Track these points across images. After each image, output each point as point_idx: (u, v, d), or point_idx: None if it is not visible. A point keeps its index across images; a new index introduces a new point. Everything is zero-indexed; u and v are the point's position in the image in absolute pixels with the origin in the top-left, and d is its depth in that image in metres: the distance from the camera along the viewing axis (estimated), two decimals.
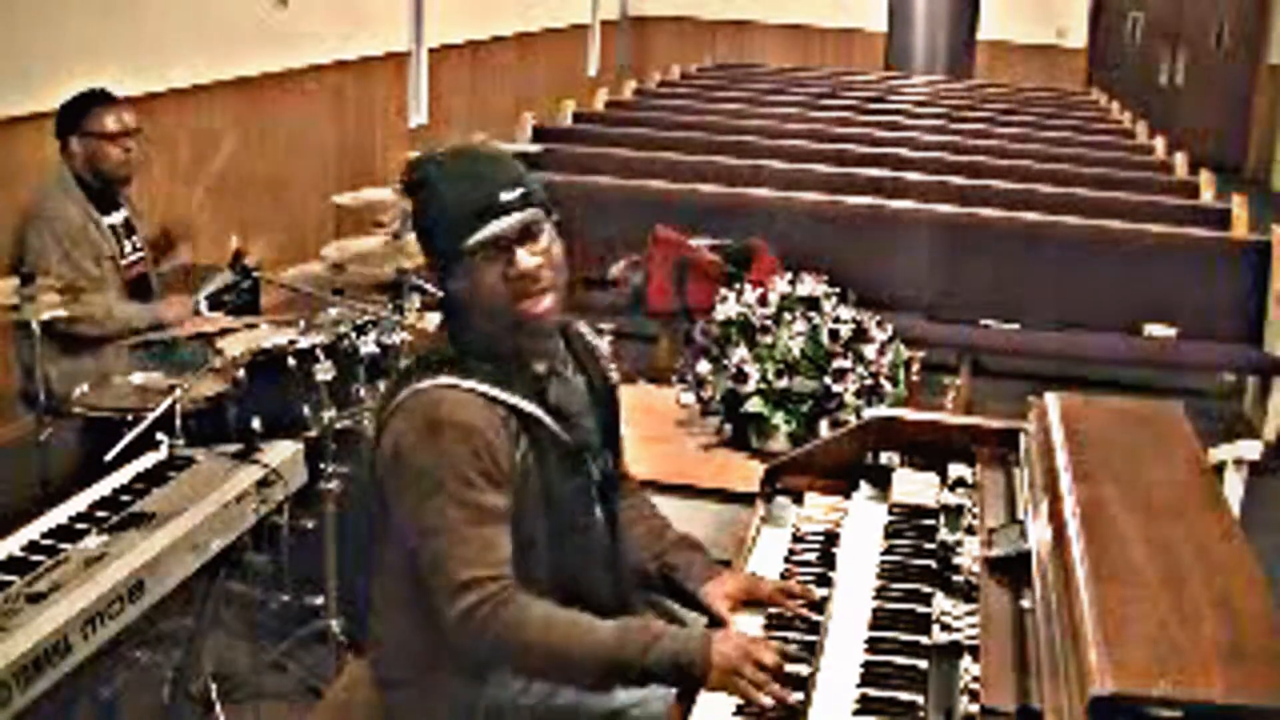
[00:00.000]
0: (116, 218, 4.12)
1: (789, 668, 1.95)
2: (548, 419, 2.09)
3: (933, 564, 2.19)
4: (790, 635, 2.06)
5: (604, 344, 2.37)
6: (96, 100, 4.04)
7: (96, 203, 4.03)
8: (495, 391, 2.05)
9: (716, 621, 2.15)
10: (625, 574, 2.23)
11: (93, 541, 2.53)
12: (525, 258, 2.05)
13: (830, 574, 2.24)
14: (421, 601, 2.08)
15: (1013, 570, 2.03)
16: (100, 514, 2.68)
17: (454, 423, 1.99)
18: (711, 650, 1.94)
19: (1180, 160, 7.96)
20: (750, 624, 2.12)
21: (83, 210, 3.98)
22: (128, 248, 4.14)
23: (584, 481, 2.16)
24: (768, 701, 1.88)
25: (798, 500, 2.56)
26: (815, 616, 2.11)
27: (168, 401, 3.22)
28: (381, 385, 3.71)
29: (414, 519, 2.01)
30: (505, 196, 2.05)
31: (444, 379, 2.04)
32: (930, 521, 2.35)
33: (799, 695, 1.90)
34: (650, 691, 2.07)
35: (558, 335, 2.21)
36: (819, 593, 2.17)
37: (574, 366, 2.23)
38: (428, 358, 2.12)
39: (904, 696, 1.85)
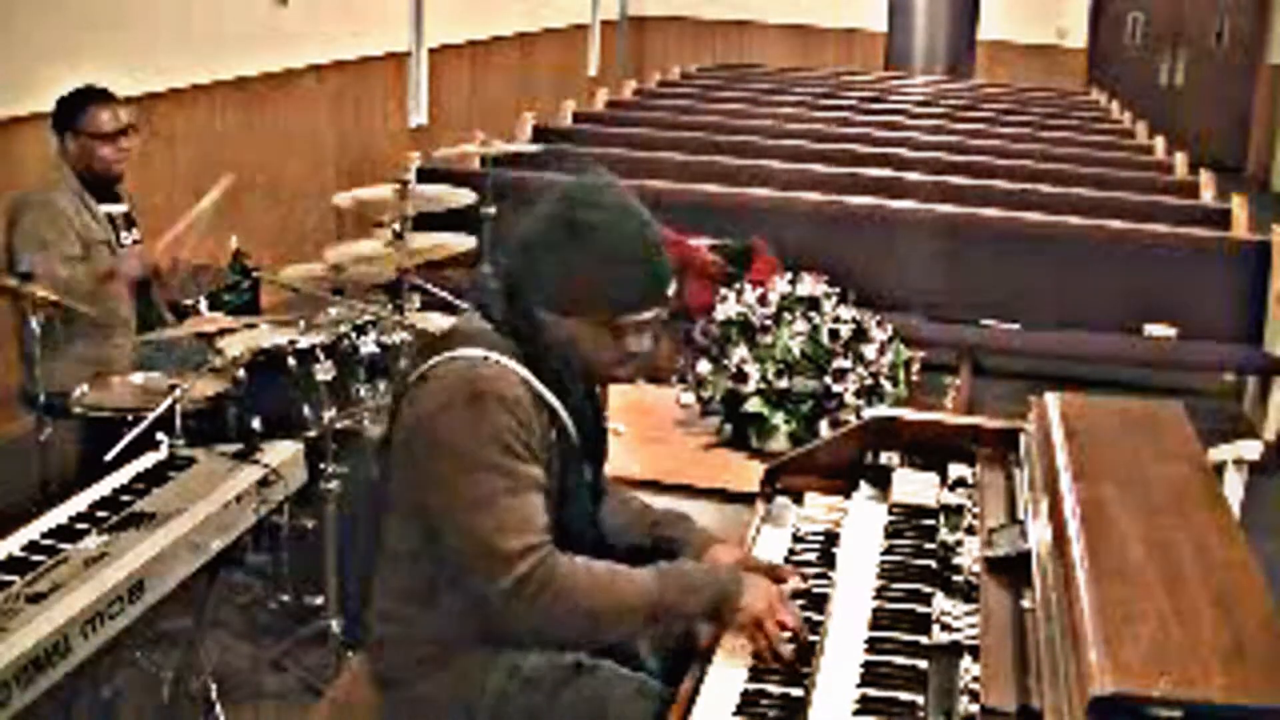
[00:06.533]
0: (115, 208, 4.12)
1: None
2: (567, 418, 2.11)
3: (933, 564, 2.19)
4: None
5: None
6: (91, 98, 4.02)
7: (94, 192, 4.03)
8: (530, 377, 2.06)
9: None
10: None
11: (93, 541, 2.53)
12: (645, 341, 2.13)
13: (830, 574, 2.24)
14: (425, 597, 2.08)
15: (1013, 570, 2.03)
16: (100, 514, 2.68)
17: (496, 393, 2.00)
18: (744, 592, 2.03)
19: (1180, 160, 7.96)
20: None
21: (75, 197, 3.97)
22: (126, 239, 4.13)
23: (584, 490, 2.18)
24: (787, 651, 1.97)
25: (798, 500, 2.56)
26: (816, 617, 2.11)
27: (168, 401, 3.22)
28: (382, 385, 3.72)
29: (452, 493, 1.99)
30: (672, 289, 2.12)
31: (479, 351, 2.04)
32: (930, 521, 2.35)
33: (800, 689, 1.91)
34: (649, 683, 2.08)
35: None
36: (820, 592, 2.17)
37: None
38: (467, 333, 2.10)
39: (904, 696, 1.85)
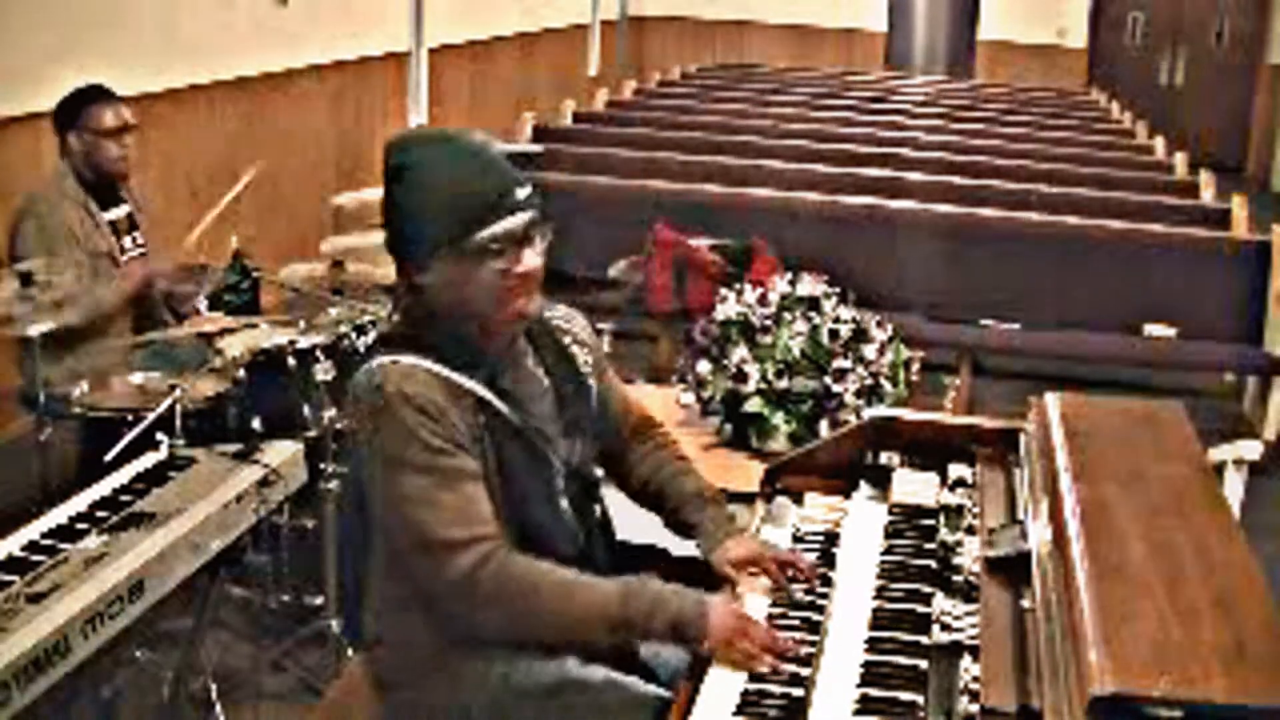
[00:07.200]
0: (118, 213, 4.12)
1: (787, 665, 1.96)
2: (497, 401, 2.07)
3: (933, 564, 2.19)
4: (791, 635, 2.05)
5: (579, 326, 2.31)
6: (94, 96, 4.03)
7: (97, 198, 4.04)
8: (443, 370, 2.02)
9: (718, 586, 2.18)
10: (600, 569, 2.14)
11: (93, 541, 2.53)
12: (530, 258, 2.04)
13: (830, 574, 2.24)
14: (415, 604, 2.07)
15: (1013, 570, 2.03)
16: (100, 514, 2.68)
17: (403, 394, 1.97)
18: (709, 618, 1.98)
19: (1180, 160, 7.96)
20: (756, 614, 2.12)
21: (79, 207, 3.97)
22: (128, 243, 4.13)
23: (544, 472, 2.13)
24: (764, 668, 1.93)
25: (798, 500, 2.56)
26: (816, 617, 2.11)
27: (168, 401, 3.22)
28: None
29: (387, 497, 1.99)
30: (520, 193, 2.03)
31: (390, 356, 2.02)
32: (930, 521, 2.35)
33: (796, 668, 1.92)
34: (643, 690, 2.07)
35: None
36: (819, 591, 2.18)
37: (534, 357, 2.20)
38: (377, 339, 2.12)
39: (904, 696, 1.85)
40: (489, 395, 2.06)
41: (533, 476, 2.10)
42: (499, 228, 2.00)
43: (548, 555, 2.04)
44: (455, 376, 2.03)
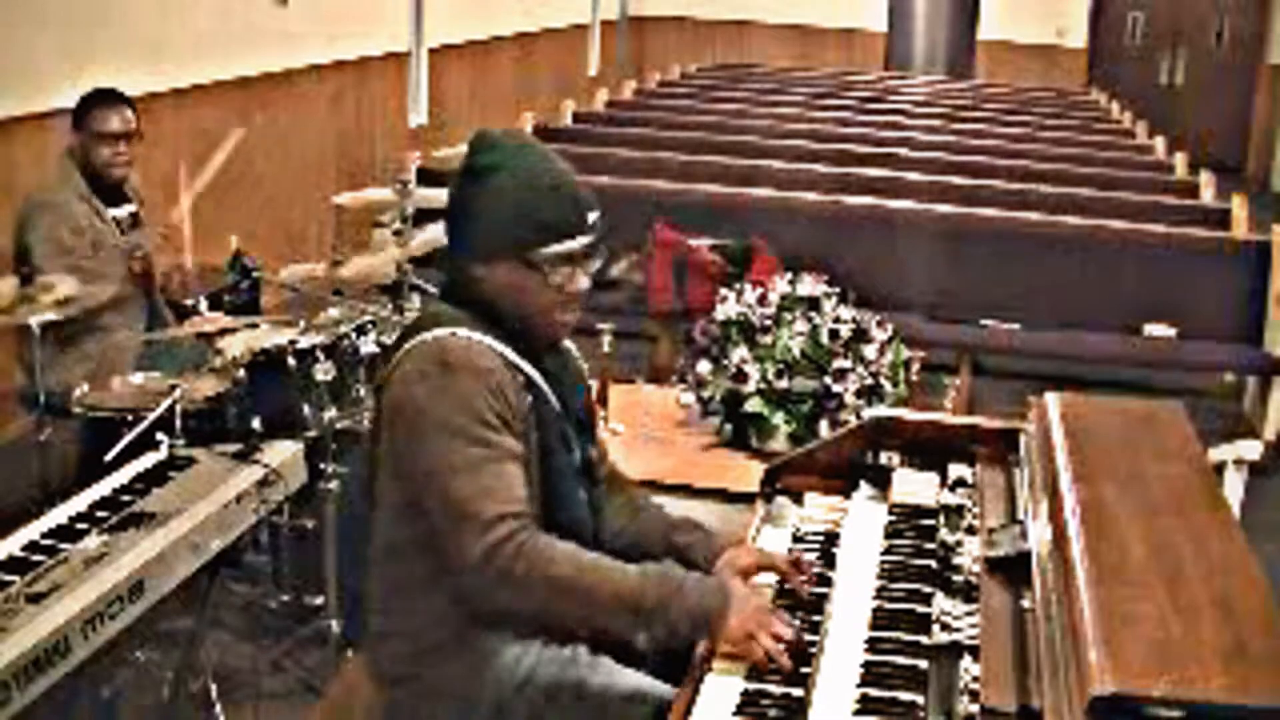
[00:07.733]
0: (122, 211, 4.15)
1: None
2: (544, 384, 2.12)
3: (933, 564, 2.19)
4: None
5: (571, 345, 2.37)
6: (101, 100, 4.09)
7: (101, 194, 4.07)
8: (503, 348, 2.08)
9: None
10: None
11: (93, 541, 2.53)
12: (582, 279, 2.13)
13: (830, 574, 2.24)
14: (418, 591, 2.07)
15: (1013, 570, 2.03)
16: (100, 514, 2.68)
17: (467, 365, 2.02)
18: (730, 610, 1.98)
19: (1180, 160, 7.96)
20: None
21: (84, 200, 4.02)
22: (134, 240, 4.15)
23: (572, 459, 2.18)
24: (786, 663, 1.93)
25: (798, 500, 2.56)
26: (816, 617, 2.11)
27: (168, 401, 3.22)
28: None
29: (430, 462, 1.99)
30: (592, 217, 2.12)
31: (446, 329, 2.06)
32: (930, 521, 2.35)
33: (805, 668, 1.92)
34: (643, 689, 2.07)
35: None
36: (819, 592, 2.17)
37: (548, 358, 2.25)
38: (432, 316, 2.13)
39: (904, 696, 1.85)
40: (539, 378, 2.12)
41: (565, 462, 2.15)
42: (564, 247, 2.09)
43: (572, 538, 2.05)
44: (513, 356, 2.09)
